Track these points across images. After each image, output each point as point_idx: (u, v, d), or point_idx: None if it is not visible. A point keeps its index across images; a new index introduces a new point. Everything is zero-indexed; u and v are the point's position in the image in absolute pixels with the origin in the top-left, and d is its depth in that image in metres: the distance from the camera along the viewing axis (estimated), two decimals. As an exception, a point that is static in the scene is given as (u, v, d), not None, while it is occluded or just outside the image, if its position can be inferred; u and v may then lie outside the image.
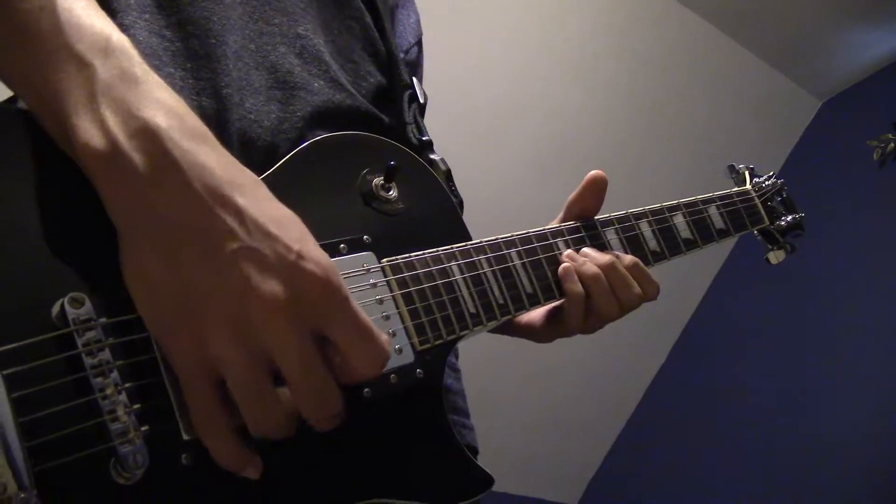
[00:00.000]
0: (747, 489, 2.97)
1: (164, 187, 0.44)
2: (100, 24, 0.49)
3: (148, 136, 0.45)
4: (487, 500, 0.67)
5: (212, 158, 0.46)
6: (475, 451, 0.80)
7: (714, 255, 3.75)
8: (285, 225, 0.47)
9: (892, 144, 3.17)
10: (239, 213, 0.45)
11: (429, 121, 0.88)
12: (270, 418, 0.46)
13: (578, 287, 0.73)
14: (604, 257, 0.75)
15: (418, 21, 0.95)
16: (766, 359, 3.26)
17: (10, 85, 0.49)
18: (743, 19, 3.51)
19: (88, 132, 0.45)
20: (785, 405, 3.02)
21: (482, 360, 2.38)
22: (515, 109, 3.27)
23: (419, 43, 0.93)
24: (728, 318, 3.63)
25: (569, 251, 0.76)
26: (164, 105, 0.47)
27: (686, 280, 3.65)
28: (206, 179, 0.45)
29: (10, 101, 0.67)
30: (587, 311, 0.75)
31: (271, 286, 0.44)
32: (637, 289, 0.75)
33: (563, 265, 0.74)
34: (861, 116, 3.54)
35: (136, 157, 0.44)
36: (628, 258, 0.77)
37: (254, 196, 0.47)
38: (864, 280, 3.02)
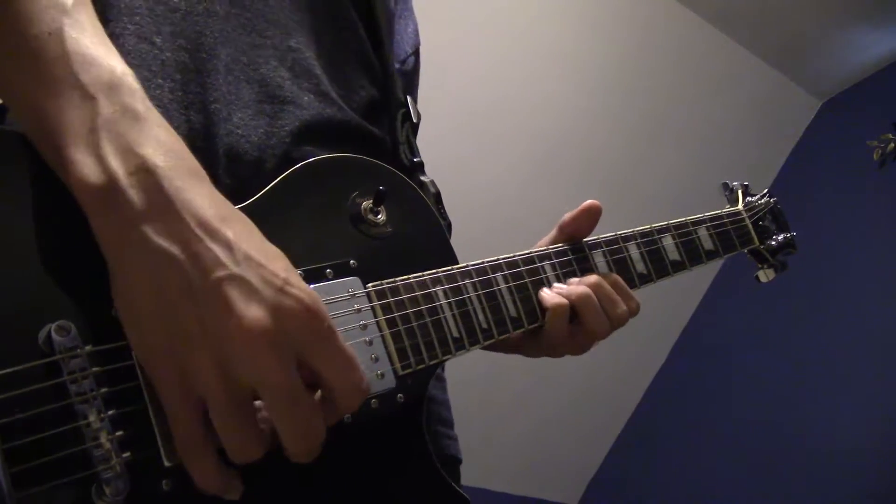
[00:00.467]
0: (747, 489, 2.98)
1: (156, 221, 0.45)
2: (106, 56, 0.50)
3: (145, 173, 0.46)
4: (488, 500, 0.68)
5: (204, 196, 0.48)
6: (458, 462, 0.80)
7: (714, 256, 3.74)
8: (272, 257, 0.48)
9: (892, 144, 3.17)
10: (227, 243, 0.46)
11: (426, 122, 0.88)
12: (249, 447, 0.46)
13: (558, 298, 0.73)
14: (590, 278, 0.76)
15: (416, 30, 0.94)
16: (766, 359, 3.26)
17: (11, 107, 0.50)
18: (743, 19, 3.50)
19: (86, 166, 0.46)
20: (785, 405, 3.03)
21: (482, 360, 2.38)
22: (512, 110, 3.27)
23: (416, 53, 0.93)
24: (728, 319, 3.63)
25: (556, 284, 0.76)
26: (163, 144, 0.48)
27: (686, 280, 3.64)
28: (197, 212, 0.46)
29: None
30: (574, 329, 0.75)
31: (255, 311, 0.45)
32: (623, 306, 0.76)
33: (543, 288, 0.75)
34: (861, 116, 3.54)
35: (133, 194, 0.45)
36: (611, 277, 0.78)
37: (242, 230, 0.48)
38: (865, 280, 3.02)
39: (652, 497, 3.43)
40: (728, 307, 3.66)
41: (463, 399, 0.88)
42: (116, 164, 0.46)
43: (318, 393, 0.51)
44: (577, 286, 0.75)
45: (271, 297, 0.46)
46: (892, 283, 2.87)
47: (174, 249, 0.45)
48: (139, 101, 0.49)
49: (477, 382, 2.91)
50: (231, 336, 0.44)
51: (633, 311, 0.78)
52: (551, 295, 0.74)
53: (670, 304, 3.64)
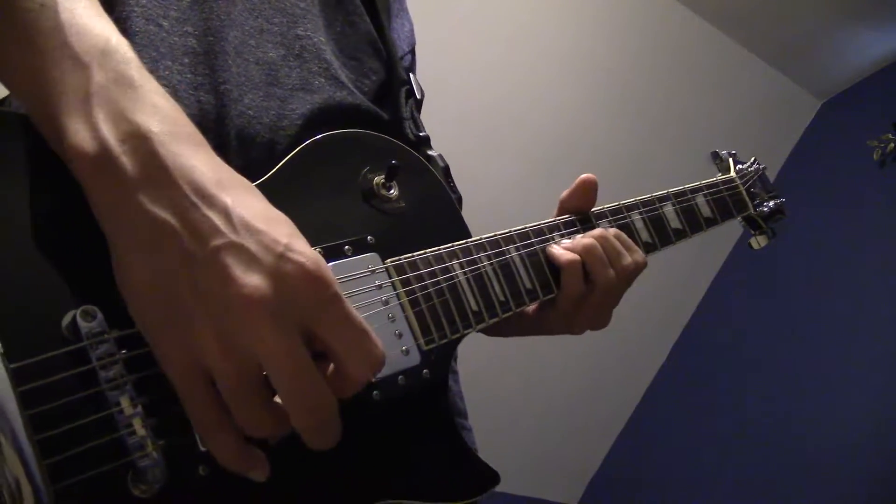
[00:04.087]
0: (746, 489, 2.98)
1: (150, 189, 0.44)
2: (100, 25, 0.49)
3: (139, 139, 0.44)
4: (488, 499, 0.68)
5: (201, 161, 0.46)
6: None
7: (714, 255, 3.76)
8: (274, 222, 0.46)
9: (892, 144, 3.18)
10: (225, 210, 0.44)
11: (429, 121, 0.88)
12: (260, 422, 0.45)
13: (570, 255, 0.73)
14: (593, 232, 0.76)
15: (412, 30, 0.95)
16: (765, 359, 3.27)
17: (7, 84, 0.49)
18: (743, 19, 3.51)
19: (79, 134, 0.44)
20: (785, 404, 3.03)
21: (483, 360, 2.38)
22: (515, 110, 3.27)
23: (412, 52, 0.93)
24: (728, 318, 3.64)
25: (563, 241, 0.77)
26: (159, 110, 0.46)
27: (687, 279, 3.66)
28: (193, 178, 0.44)
29: (1, 102, 0.67)
30: (587, 288, 0.75)
31: (254, 279, 0.42)
32: (629, 258, 0.77)
33: (551, 245, 0.75)
34: (861, 116, 3.55)
35: (126, 161, 0.44)
36: (612, 230, 0.78)
37: (241, 195, 0.46)
38: (865, 280, 3.02)
39: (652, 497, 3.43)
40: (728, 306, 3.66)
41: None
42: (108, 131, 0.44)
43: (332, 366, 0.48)
44: (581, 239, 0.75)
45: (271, 264, 0.43)
46: (892, 283, 2.88)
47: (169, 217, 0.43)
48: (134, 69, 0.48)
49: (477, 382, 2.89)
50: (230, 307, 0.42)
51: (640, 264, 0.78)
52: (562, 252, 0.74)
53: (671, 302, 3.64)
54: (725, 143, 3.87)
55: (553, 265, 0.74)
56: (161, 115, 0.46)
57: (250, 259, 0.43)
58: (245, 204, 0.45)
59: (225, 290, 0.42)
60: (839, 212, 3.33)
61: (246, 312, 0.42)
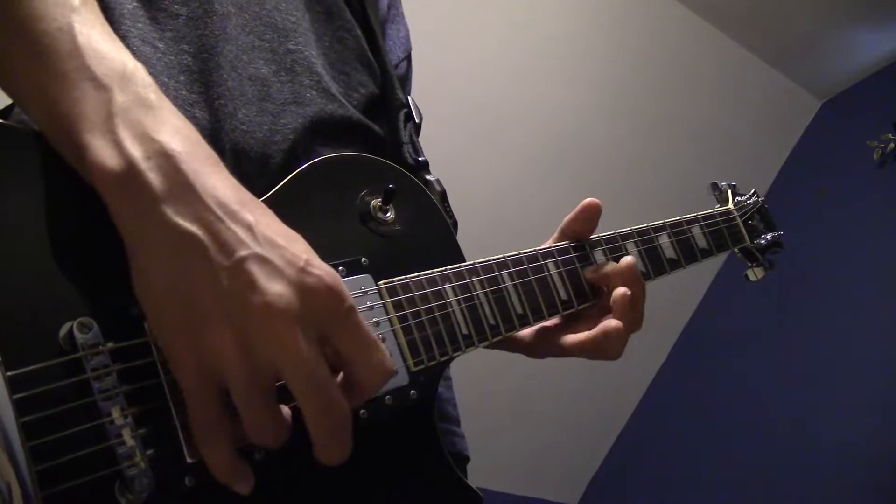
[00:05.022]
0: (746, 489, 2.98)
1: (176, 202, 0.46)
2: (115, 49, 0.51)
3: (163, 157, 0.46)
4: (488, 499, 0.69)
5: (223, 180, 0.49)
6: (466, 459, 0.81)
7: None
8: (292, 240, 0.49)
9: (892, 144, 3.18)
10: (248, 225, 0.47)
11: (427, 122, 0.89)
12: (270, 422, 0.47)
13: (624, 289, 0.75)
14: (623, 263, 0.78)
15: (408, 36, 0.96)
16: (765, 359, 3.27)
17: (21, 103, 0.51)
18: (743, 19, 3.51)
19: (104, 151, 0.46)
20: (785, 405, 3.03)
21: (482, 360, 2.39)
22: (513, 110, 3.28)
23: (408, 57, 0.94)
24: (728, 318, 3.64)
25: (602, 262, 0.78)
26: (179, 131, 0.49)
27: (686, 279, 3.66)
28: (217, 195, 0.47)
29: (3, 113, 0.68)
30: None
31: (278, 288, 0.45)
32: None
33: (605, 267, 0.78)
34: (861, 116, 3.54)
35: (152, 177, 0.46)
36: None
37: (262, 214, 0.49)
38: (864, 280, 3.02)
39: (652, 497, 3.44)
40: (728, 307, 3.66)
41: (463, 399, 0.89)
42: (134, 149, 0.46)
43: (340, 375, 0.51)
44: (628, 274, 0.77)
45: (294, 276, 0.46)
46: (892, 283, 2.88)
47: (195, 229, 0.45)
48: (152, 91, 0.50)
49: (476, 383, 2.91)
50: (255, 313, 0.44)
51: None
52: (621, 291, 0.75)
53: (670, 303, 3.64)
54: (725, 142, 3.87)
55: (553, 288, 0.76)
56: (182, 136, 0.48)
57: (274, 270, 0.46)
58: (265, 222, 0.48)
59: (249, 297, 0.44)
60: (839, 212, 3.33)
61: (269, 318, 0.44)
